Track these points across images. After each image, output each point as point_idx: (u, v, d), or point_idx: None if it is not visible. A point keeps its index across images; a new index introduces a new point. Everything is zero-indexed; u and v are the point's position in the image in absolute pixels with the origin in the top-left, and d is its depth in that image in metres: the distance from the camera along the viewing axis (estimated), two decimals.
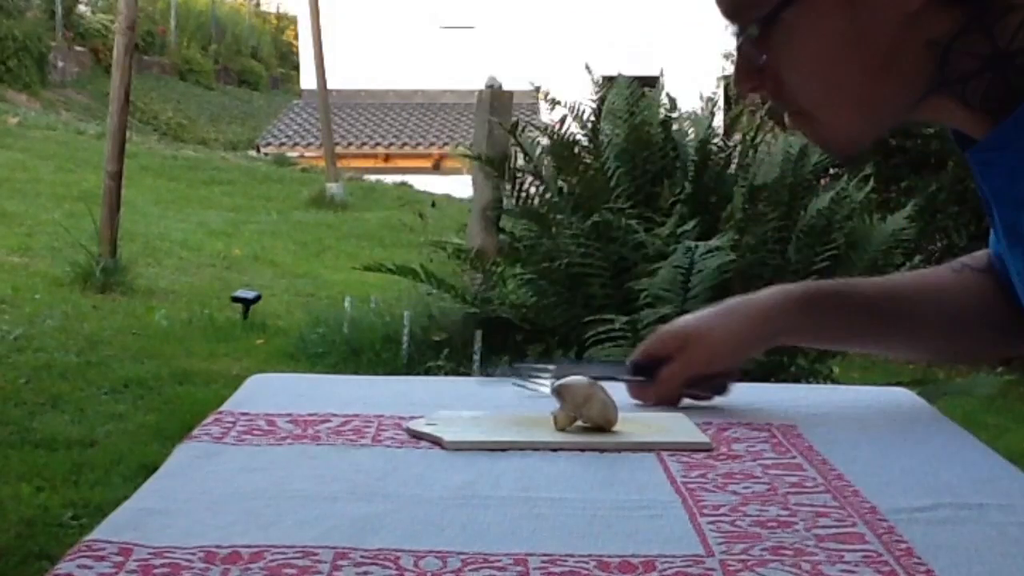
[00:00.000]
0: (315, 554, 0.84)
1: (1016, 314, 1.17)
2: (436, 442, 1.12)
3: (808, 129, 1.08)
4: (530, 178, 5.63)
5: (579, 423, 1.15)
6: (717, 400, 1.28)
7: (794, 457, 1.10)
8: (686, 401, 1.28)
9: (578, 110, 5.64)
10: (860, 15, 0.99)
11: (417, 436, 1.14)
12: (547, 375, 1.26)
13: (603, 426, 1.14)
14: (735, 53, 1.05)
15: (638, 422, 1.18)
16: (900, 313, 1.26)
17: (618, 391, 1.24)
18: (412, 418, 1.18)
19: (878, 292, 1.28)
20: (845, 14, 1.00)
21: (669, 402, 1.26)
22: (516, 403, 1.27)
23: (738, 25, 1.04)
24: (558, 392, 1.15)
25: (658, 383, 1.25)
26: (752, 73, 1.04)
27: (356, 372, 5.75)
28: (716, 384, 1.26)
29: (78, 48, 22.17)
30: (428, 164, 20.28)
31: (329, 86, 14.43)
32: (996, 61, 1.00)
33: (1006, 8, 0.99)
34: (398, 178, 17.07)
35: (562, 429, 1.15)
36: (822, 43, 1.01)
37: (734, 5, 1.04)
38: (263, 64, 29.99)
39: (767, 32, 1.02)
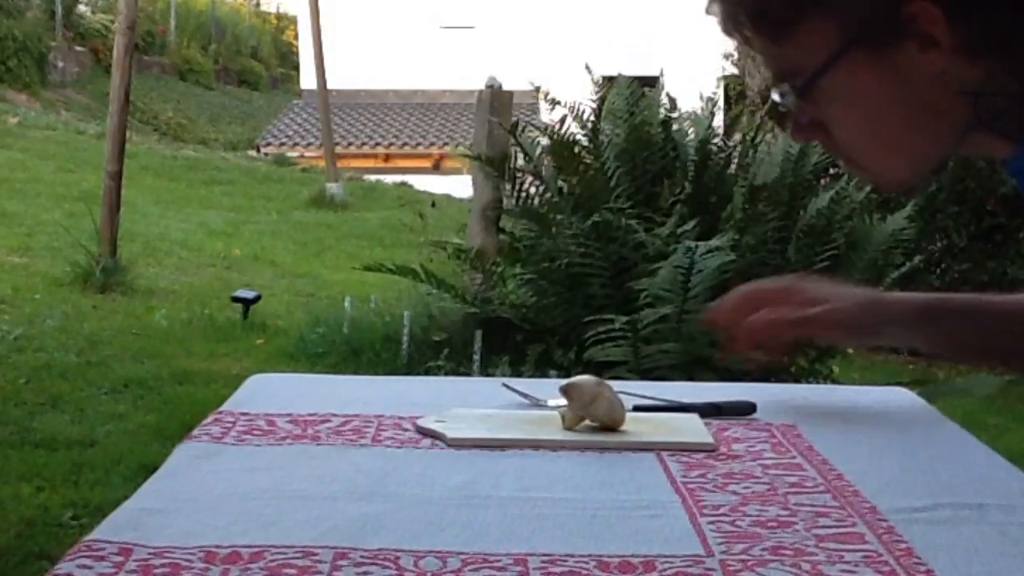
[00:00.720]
0: (315, 554, 0.83)
1: None
2: (440, 438, 1.12)
3: (860, 173, 1.18)
4: (530, 178, 5.62)
5: (587, 422, 1.15)
6: (718, 399, 1.28)
7: (794, 457, 1.10)
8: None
9: (578, 110, 5.63)
10: (890, 79, 1.06)
11: (424, 433, 1.14)
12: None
13: (610, 426, 1.14)
14: (788, 109, 1.13)
15: (648, 422, 1.18)
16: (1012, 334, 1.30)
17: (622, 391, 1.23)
18: (412, 418, 1.18)
19: (1000, 312, 1.31)
20: (876, 78, 1.06)
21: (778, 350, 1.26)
22: (522, 403, 1.27)
23: (786, 86, 1.11)
24: (566, 391, 1.15)
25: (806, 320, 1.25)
26: (804, 127, 1.13)
27: (356, 372, 5.75)
28: (743, 406, 1.26)
29: (78, 48, 22.16)
30: (428, 164, 20.26)
31: (329, 86, 14.42)
32: None
33: None
34: (398, 178, 17.05)
35: (570, 428, 1.15)
36: (860, 105, 1.08)
37: (778, 71, 1.11)
38: (263, 64, 29.97)
39: (809, 95, 1.09)
